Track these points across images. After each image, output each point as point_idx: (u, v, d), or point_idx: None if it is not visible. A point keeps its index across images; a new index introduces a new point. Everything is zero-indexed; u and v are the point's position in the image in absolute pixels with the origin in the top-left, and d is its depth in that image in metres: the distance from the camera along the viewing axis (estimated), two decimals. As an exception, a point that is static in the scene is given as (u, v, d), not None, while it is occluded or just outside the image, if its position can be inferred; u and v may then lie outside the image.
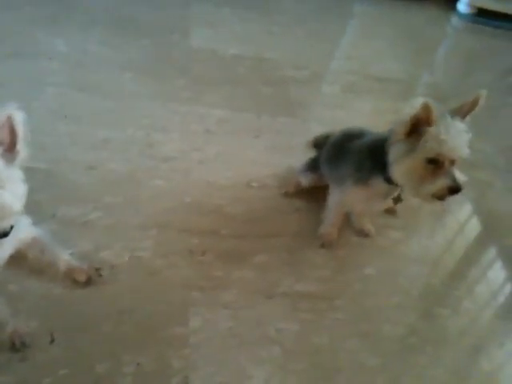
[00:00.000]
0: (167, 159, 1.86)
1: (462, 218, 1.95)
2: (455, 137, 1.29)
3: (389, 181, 1.45)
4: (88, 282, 1.43)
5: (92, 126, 1.90)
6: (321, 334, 1.48)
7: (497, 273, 1.76)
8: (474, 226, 1.93)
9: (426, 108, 1.25)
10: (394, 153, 1.38)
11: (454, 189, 1.31)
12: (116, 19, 2.45)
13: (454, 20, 3.38)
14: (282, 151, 2.03)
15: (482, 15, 3.37)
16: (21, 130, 1.19)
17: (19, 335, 1.27)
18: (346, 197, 1.58)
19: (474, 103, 1.32)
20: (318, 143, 1.90)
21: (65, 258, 1.44)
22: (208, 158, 1.91)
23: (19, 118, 1.17)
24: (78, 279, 1.42)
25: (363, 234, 1.79)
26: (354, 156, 1.54)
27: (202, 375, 1.31)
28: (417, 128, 1.30)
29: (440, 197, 1.34)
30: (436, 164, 1.31)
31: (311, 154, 1.88)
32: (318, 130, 1.95)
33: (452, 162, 1.32)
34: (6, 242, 1.31)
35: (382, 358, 1.45)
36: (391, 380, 1.40)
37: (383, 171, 1.44)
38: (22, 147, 1.21)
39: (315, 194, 1.84)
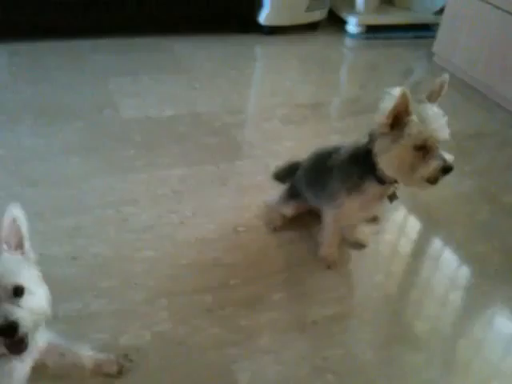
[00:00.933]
0: (147, 229, 1.79)
1: (401, 219, 2.02)
2: (436, 121, 1.36)
3: (380, 181, 1.48)
4: (121, 372, 1.32)
5: (58, 218, 1.79)
6: (364, 350, 1.47)
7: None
8: (415, 223, 2.01)
9: (404, 96, 1.31)
10: (380, 146, 1.41)
11: (447, 168, 1.36)
12: (40, 110, 2.36)
13: (348, 42, 3.61)
14: (252, 191, 2.03)
15: (371, 31, 3.63)
16: (25, 231, 1.14)
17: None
18: (343, 209, 1.59)
19: (441, 87, 1.41)
20: (280, 175, 1.92)
21: (88, 354, 1.32)
22: (186, 217, 1.86)
23: (23, 218, 1.13)
24: (110, 372, 1.31)
25: (359, 244, 1.81)
26: (340, 168, 1.57)
27: (273, 427, 1.25)
28: (397, 119, 1.35)
29: (433, 179, 1.39)
30: (423, 149, 1.36)
31: (279, 186, 1.90)
32: (274, 163, 1.98)
33: (437, 146, 1.38)
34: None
35: (425, 353, 1.46)
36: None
37: (373, 173, 1.48)
38: (29, 247, 1.14)
39: (300, 222, 1.86)
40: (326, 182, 1.62)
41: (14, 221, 1.12)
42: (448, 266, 1.79)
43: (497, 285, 1.72)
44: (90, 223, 1.79)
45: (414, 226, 1.97)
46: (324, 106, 2.77)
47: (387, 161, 1.42)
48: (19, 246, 1.14)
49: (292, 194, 1.82)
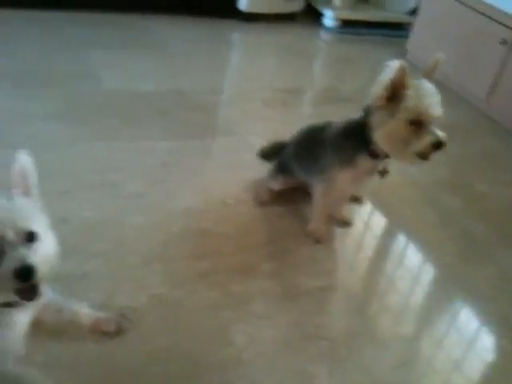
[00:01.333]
0: (136, 196, 1.78)
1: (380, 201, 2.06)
2: (431, 97, 1.42)
3: (373, 155, 1.53)
4: (119, 331, 1.31)
5: (45, 181, 1.74)
6: (352, 320, 1.51)
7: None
8: (392, 207, 2.05)
9: (402, 70, 1.35)
10: (377, 119, 1.45)
11: (439, 144, 1.40)
12: (16, 77, 2.29)
13: (323, 35, 3.67)
14: (237, 167, 2.05)
15: (346, 26, 3.71)
16: (33, 178, 1.14)
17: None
18: (335, 182, 1.61)
19: (436, 65, 1.47)
20: (266, 153, 1.95)
21: (86, 311, 1.30)
22: (175, 187, 1.86)
23: (31, 166, 1.13)
24: (108, 330, 1.30)
25: (345, 223, 1.86)
26: (333, 142, 1.60)
27: (271, 386, 1.27)
28: (394, 92, 1.39)
29: (425, 155, 1.43)
30: (417, 125, 1.41)
31: (263, 164, 1.93)
32: (257, 142, 2.01)
33: (430, 122, 1.44)
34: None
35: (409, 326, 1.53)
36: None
37: (366, 147, 1.52)
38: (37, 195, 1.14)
39: (287, 198, 1.89)
40: (318, 155, 1.65)
41: (23, 168, 1.11)
42: (421, 249, 1.85)
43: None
44: (78, 188, 1.76)
45: (391, 209, 2.03)
46: (301, 93, 2.83)
47: (382, 134, 1.45)
48: (27, 193, 1.12)
49: (281, 169, 1.84)
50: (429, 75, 1.47)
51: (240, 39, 3.46)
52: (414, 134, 1.41)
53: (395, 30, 3.85)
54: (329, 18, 3.68)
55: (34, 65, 2.44)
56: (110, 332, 1.30)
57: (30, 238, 1.03)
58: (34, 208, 1.10)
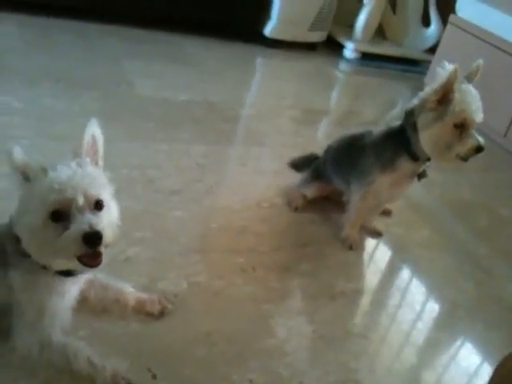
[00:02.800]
0: (174, 192, 1.79)
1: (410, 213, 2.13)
2: (476, 102, 1.48)
3: (414, 157, 1.56)
4: (162, 313, 1.31)
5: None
6: (390, 322, 1.52)
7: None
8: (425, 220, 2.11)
9: (455, 74, 1.41)
10: (423, 121, 1.50)
11: (480, 148, 1.47)
12: (56, 77, 2.33)
13: (343, 65, 3.76)
14: (269, 174, 2.08)
15: (365, 59, 3.81)
16: (101, 146, 1.15)
17: (122, 376, 1.11)
18: (374, 187, 1.64)
19: (478, 69, 1.53)
20: (297, 164, 1.99)
21: (131, 291, 1.30)
22: (211, 187, 1.88)
23: (100, 135, 1.14)
24: (152, 311, 1.30)
25: (376, 233, 1.88)
26: (374, 147, 1.64)
27: (314, 377, 1.28)
28: (444, 95, 1.44)
29: (466, 157, 1.50)
30: (461, 128, 1.46)
31: (295, 174, 1.96)
32: (287, 153, 2.04)
33: (473, 127, 1.49)
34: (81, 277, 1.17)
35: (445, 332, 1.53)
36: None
37: (407, 149, 1.55)
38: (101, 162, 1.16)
39: (319, 206, 1.91)
40: (358, 160, 1.68)
41: (93, 136, 1.13)
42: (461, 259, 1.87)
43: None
44: (117, 180, 1.76)
45: (422, 221, 2.06)
46: (325, 114, 2.91)
47: (428, 136, 1.50)
48: (95, 161, 1.14)
49: (315, 176, 1.87)
50: (471, 79, 1.52)
51: (264, 63, 3.53)
52: (457, 137, 1.47)
53: (412, 65, 3.95)
54: (349, 50, 3.77)
55: (70, 67, 2.48)
56: (153, 313, 1.30)
57: (98, 205, 1.04)
58: (103, 177, 1.11)
